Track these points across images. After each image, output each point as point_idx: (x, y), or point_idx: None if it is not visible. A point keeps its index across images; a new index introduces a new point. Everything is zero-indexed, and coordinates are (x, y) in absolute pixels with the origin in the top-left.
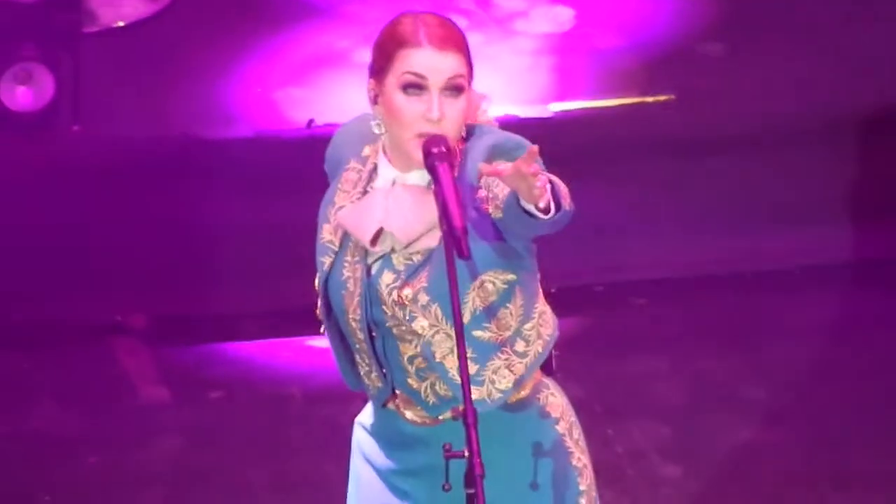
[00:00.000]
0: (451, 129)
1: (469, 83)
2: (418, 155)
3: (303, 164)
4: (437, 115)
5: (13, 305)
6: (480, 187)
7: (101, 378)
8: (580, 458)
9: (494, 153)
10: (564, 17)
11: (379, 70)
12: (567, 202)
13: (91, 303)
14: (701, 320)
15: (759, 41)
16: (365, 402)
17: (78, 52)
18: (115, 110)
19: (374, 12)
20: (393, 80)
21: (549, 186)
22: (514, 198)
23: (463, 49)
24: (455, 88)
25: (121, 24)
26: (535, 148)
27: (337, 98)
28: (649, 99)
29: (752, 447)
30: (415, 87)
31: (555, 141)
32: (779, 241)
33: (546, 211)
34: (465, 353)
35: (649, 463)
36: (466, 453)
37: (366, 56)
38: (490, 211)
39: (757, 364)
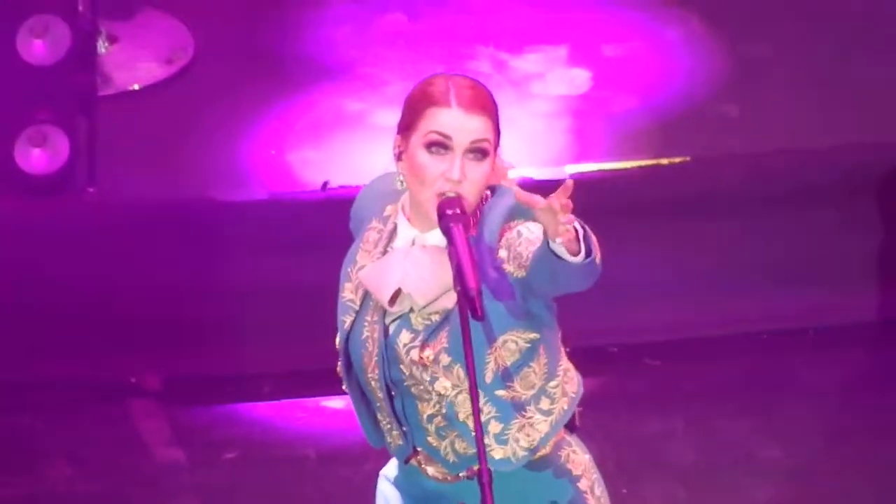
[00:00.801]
0: (471, 191)
1: (495, 149)
2: (435, 216)
3: (318, 226)
4: (457, 175)
5: (27, 366)
6: (501, 247)
7: (115, 440)
8: None
9: (514, 213)
10: (581, 79)
11: (406, 127)
12: (597, 252)
13: (106, 364)
14: (716, 381)
15: (777, 101)
16: (387, 458)
17: (93, 115)
18: (131, 173)
19: (391, 75)
20: (418, 137)
21: (581, 232)
22: (545, 243)
23: (491, 114)
24: (479, 151)
25: (136, 87)
26: (571, 182)
27: (352, 160)
28: (664, 161)
29: None
30: (439, 146)
31: (573, 201)
32: (795, 302)
33: (575, 254)
34: (479, 412)
35: None
36: None
37: (381, 118)
38: (512, 271)
39: (773, 424)
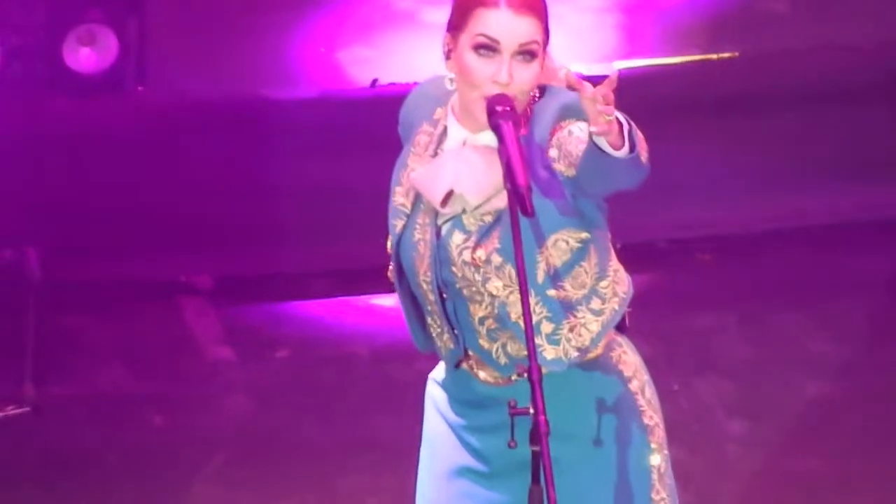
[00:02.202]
0: (519, 93)
1: (544, 49)
2: (483, 117)
3: (367, 124)
4: (505, 79)
5: (80, 266)
6: (552, 146)
7: (167, 339)
8: (652, 416)
9: (565, 113)
10: None
11: (455, 26)
12: (644, 150)
13: (157, 263)
14: (766, 276)
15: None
16: (435, 360)
17: (142, 14)
18: (180, 71)
19: None
20: (467, 38)
21: (627, 127)
22: (591, 138)
23: (541, 14)
24: (528, 53)
25: None
26: (616, 75)
27: (401, 58)
28: (713, 56)
29: (818, 402)
30: (487, 48)
31: (619, 98)
32: (846, 197)
33: (619, 149)
34: (530, 311)
35: (715, 419)
36: (532, 410)
37: (430, 16)
38: (563, 170)
39: (823, 319)
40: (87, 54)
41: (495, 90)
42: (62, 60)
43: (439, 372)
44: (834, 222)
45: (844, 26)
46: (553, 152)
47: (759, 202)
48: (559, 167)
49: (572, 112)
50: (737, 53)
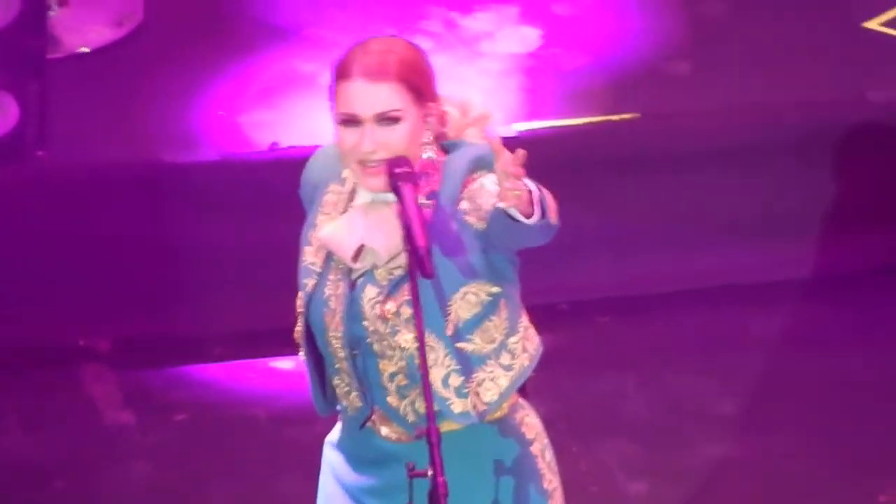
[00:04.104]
0: (398, 153)
1: (421, 106)
2: (368, 182)
3: (268, 187)
4: (368, 148)
5: None
6: (463, 198)
7: (66, 403)
8: (551, 480)
9: (477, 165)
10: (531, 37)
11: (330, 102)
12: (553, 214)
13: (56, 327)
14: (666, 337)
15: (727, 59)
16: (333, 423)
17: (43, 78)
18: (81, 135)
19: (340, 36)
20: (335, 113)
21: (536, 194)
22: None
23: (402, 77)
24: (388, 119)
25: (86, 49)
26: (523, 152)
27: (302, 121)
28: (615, 117)
29: (719, 463)
30: (350, 121)
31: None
32: (743, 257)
33: (530, 217)
34: (427, 369)
35: (615, 481)
36: (430, 472)
37: (329, 79)
38: (473, 223)
39: (723, 379)
40: None
41: (365, 157)
42: None
43: (336, 434)
44: (733, 282)
45: (746, 85)
46: (464, 205)
47: (659, 263)
48: (470, 220)
49: (483, 164)
50: (637, 115)
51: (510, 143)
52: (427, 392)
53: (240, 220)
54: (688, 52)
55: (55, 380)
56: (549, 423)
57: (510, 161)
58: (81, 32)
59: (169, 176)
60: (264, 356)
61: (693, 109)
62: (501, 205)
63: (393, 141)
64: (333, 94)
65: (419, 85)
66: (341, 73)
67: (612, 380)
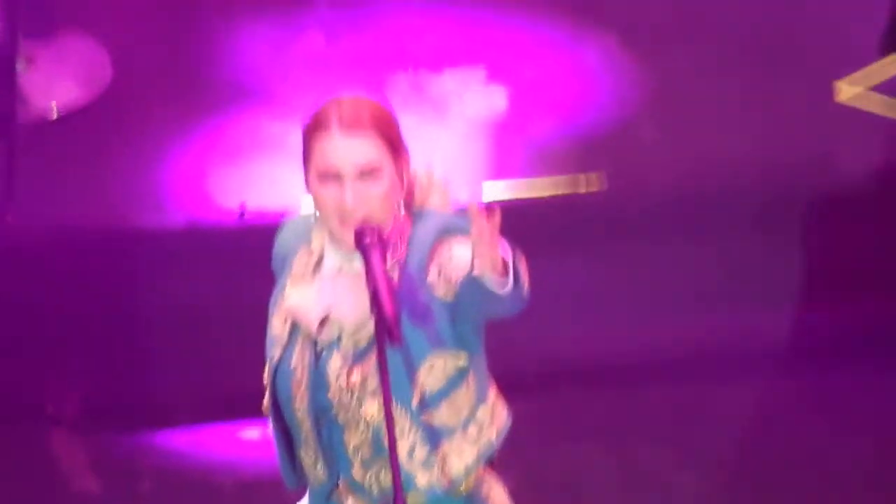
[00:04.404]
0: (373, 213)
1: (395, 161)
2: (350, 240)
3: (235, 252)
4: (350, 204)
5: None
6: (432, 267)
7: (31, 468)
8: None
9: (447, 229)
10: (497, 99)
11: (304, 159)
12: (525, 281)
13: (22, 392)
14: (629, 408)
15: (692, 120)
16: (303, 492)
17: (10, 141)
18: (49, 200)
19: (308, 96)
20: (312, 170)
21: (511, 261)
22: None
23: (380, 129)
24: (369, 173)
25: (54, 108)
26: (497, 212)
27: (270, 182)
28: (580, 181)
29: None
30: (329, 177)
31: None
32: (709, 328)
33: (503, 285)
34: (395, 441)
35: None
36: None
37: (299, 141)
38: (441, 295)
39: (687, 451)
40: None
41: (347, 215)
42: None
43: None
44: (698, 353)
45: (714, 148)
46: (433, 273)
47: (624, 333)
48: (438, 291)
49: (452, 230)
50: (604, 178)
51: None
52: (394, 464)
53: (207, 285)
54: (654, 113)
55: (21, 445)
56: (514, 495)
57: (486, 226)
58: (50, 91)
59: (136, 239)
60: (230, 422)
61: (658, 173)
62: (475, 272)
63: (374, 196)
64: (308, 152)
65: (393, 138)
66: (316, 126)
67: (579, 451)
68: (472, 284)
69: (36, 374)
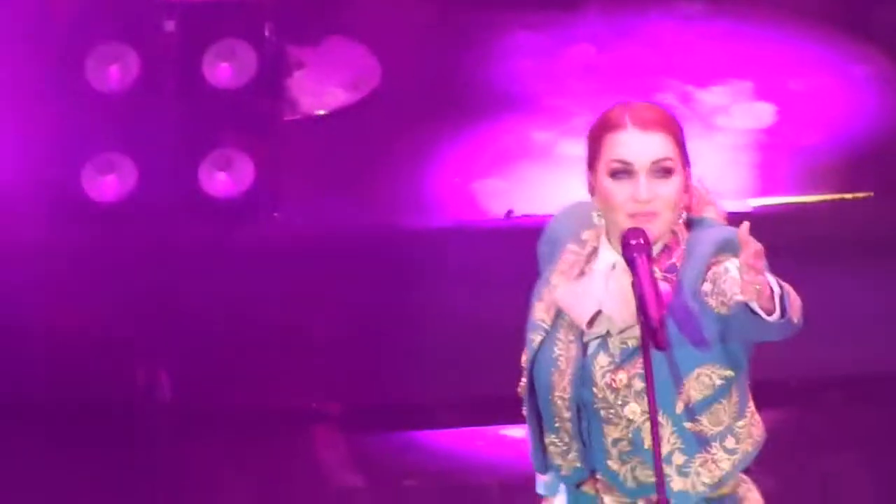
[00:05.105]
0: (663, 209)
1: (684, 166)
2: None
3: (500, 256)
4: (644, 195)
5: (211, 391)
6: (707, 280)
7: (294, 464)
8: None
9: (724, 248)
10: (765, 113)
11: (591, 159)
12: (795, 314)
13: (289, 390)
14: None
15: None
16: None
17: (278, 140)
18: (314, 198)
19: (577, 106)
20: (603, 167)
21: (778, 291)
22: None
23: (671, 130)
24: (663, 170)
25: (321, 112)
26: (761, 248)
27: (536, 190)
28: (848, 196)
29: None
30: (622, 172)
31: (754, 236)
32: None
33: (770, 313)
34: (659, 441)
35: None
36: None
37: (567, 148)
38: (714, 307)
39: None
40: (223, 179)
41: (637, 208)
42: (198, 184)
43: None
44: None
45: None
46: (707, 286)
47: (890, 343)
48: (711, 302)
49: (729, 248)
50: (871, 193)
51: (743, 219)
52: (657, 462)
53: (471, 288)
54: None
55: (286, 443)
56: (770, 500)
57: (753, 254)
58: (317, 95)
59: (402, 240)
60: (495, 423)
61: None
62: (739, 297)
63: (666, 193)
64: (596, 150)
65: (682, 142)
66: (609, 125)
67: (836, 459)
68: (742, 310)
69: (301, 372)
